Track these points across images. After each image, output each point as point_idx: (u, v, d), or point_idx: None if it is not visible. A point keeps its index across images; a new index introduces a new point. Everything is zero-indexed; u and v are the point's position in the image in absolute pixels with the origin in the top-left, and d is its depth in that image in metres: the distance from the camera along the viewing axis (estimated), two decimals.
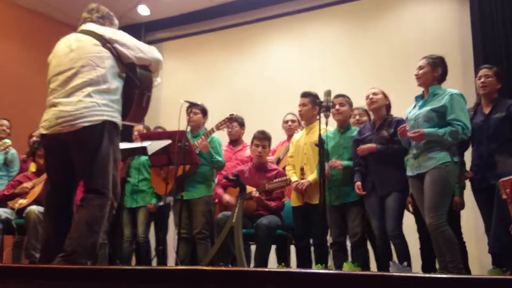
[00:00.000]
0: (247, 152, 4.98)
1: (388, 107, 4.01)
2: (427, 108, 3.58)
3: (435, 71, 3.64)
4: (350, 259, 3.94)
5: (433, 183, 3.42)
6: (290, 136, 4.83)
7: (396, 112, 4.03)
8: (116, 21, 3.17)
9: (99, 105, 2.74)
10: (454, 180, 3.52)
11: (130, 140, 5.05)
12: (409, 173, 3.63)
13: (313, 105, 4.23)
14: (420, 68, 3.69)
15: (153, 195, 4.87)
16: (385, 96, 3.99)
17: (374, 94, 3.96)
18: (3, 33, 7.01)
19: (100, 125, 2.73)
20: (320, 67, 6.52)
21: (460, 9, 5.90)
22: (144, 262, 4.84)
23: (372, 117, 4.15)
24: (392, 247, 3.77)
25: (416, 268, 3.89)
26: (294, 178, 4.21)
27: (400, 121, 3.82)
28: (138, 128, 5.16)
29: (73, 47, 2.86)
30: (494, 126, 3.71)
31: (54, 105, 2.77)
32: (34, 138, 5.20)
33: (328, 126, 3.84)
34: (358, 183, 3.86)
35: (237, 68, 7.24)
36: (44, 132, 2.79)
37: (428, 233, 3.56)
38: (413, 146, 3.61)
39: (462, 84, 5.26)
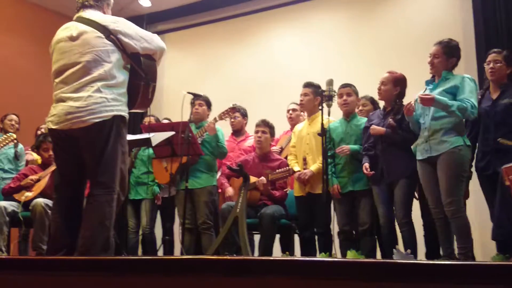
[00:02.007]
0: (250, 142, 4.98)
1: (400, 94, 3.87)
2: (439, 89, 3.50)
3: (450, 61, 3.55)
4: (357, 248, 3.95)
5: (447, 167, 3.38)
6: (293, 126, 4.81)
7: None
8: (112, 0, 3.06)
9: (108, 100, 2.72)
10: (468, 164, 3.47)
11: (136, 132, 5.03)
12: (419, 157, 3.57)
13: (315, 95, 4.22)
14: (435, 56, 3.57)
15: (155, 186, 4.85)
16: (396, 85, 3.83)
17: (383, 84, 3.88)
18: (10, 28, 7.01)
19: (110, 121, 2.72)
20: (323, 56, 6.50)
21: None
22: (150, 252, 4.87)
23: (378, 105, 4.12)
24: (399, 235, 3.76)
25: (420, 256, 3.90)
26: (296, 167, 4.21)
27: None
28: (149, 120, 5.11)
29: (76, 39, 2.79)
30: (502, 112, 3.54)
31: (63, 100, 2.74)
32: (42, 131, 5.21)
33: (331, 116, 3.82)
34: (366, 164, 3.80)
35: (239, 59, 7.23)
36: (53, 127, 2.75)
37: (432, 220, 3.55)
38: (425, 128, 3.54)
39: (464, 71, 5.20)
